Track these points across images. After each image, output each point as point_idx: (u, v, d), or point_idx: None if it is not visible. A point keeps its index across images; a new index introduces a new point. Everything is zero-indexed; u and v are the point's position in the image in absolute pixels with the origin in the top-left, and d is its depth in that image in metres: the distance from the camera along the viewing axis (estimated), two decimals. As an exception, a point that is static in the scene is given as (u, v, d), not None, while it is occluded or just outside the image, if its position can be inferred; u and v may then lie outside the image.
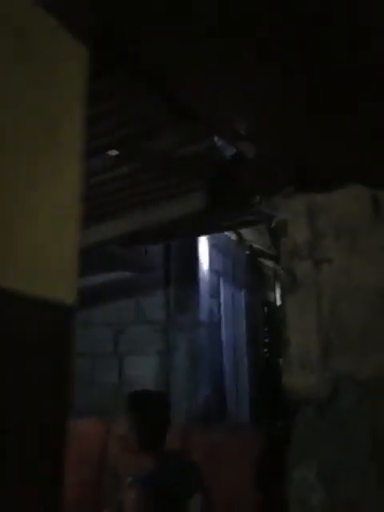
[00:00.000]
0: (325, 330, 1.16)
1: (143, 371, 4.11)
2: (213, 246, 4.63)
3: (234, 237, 5.11)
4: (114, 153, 2.09)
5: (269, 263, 5.75)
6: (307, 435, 1.14)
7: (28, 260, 0.63)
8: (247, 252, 5.46)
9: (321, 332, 1.15)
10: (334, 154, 1.23)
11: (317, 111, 1.31)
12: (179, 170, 2.34)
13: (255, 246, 5.40)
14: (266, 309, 6.01)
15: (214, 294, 4.65)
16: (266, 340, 5.98)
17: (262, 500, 2.46)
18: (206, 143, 2.07)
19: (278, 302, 6.25)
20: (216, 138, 2.06)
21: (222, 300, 4.83)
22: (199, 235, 3.99)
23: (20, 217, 0.62)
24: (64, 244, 0.69)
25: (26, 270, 0.62)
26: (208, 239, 4.46)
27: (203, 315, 4.31)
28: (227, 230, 4.28)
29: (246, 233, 4.91)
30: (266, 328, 5.94)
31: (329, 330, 1.16)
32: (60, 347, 0.67)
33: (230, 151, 2.16)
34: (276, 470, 2.51)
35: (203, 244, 4.45)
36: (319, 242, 1.21)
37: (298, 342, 1.18)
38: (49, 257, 0.66)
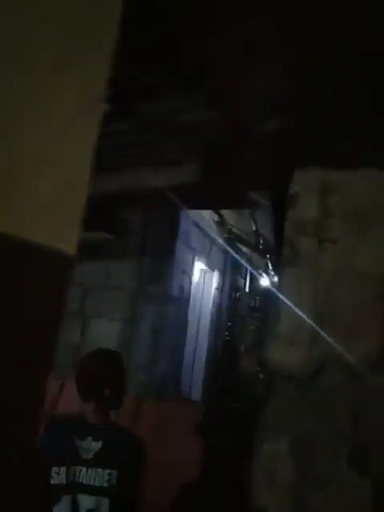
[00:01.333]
0: (318, 309, 1.14)
1: (105, 336, 4.05)
2: (193, 223, 4.58)
3: (216, 217, 5.06)
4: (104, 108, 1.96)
5: (245, 250, 5.74)
6: (284, 410, 1.12)
7: (32, 206, 0.61)
8: (226, 235, 5.43)
9: (314, 310, 1.13)
10: (354, 135, 1.19)
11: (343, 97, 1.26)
12: (176, 138, 2.25)
13: (235, 230, 5.37)
14: (234, 293, 6.04)
15: (187, 270, 4.62)
16: (229, 324, 6.02)
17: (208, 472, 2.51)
18: (209, 115, 1.98)
19: (247, 289, 6.30)
20: (220, 113, 1.98)
21: (193, 278, 4.81)
22: (185, 208, 3.92)
23: (27, 161, 0.59)
24: (73, 193, 0.67)
25: (29, 216, 0.61)
26: (190, 215, 4.39)
27: (174, 290, 4.27)
28: (213, 208, 4.23)
29: (228, 215, 4.87)
30: (231, 312, 5.98)
31: (322, 310, 1.14)
32: (55, 296, 0.67)
33: (232, 130, 2.08)
34: (225, 448, 2.57)
35: (184, 219, 4.38)
36: (326, 221, 1.18)
37: (289, 317, 1.15)
38: (56, 205, 0.65)
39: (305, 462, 1.06)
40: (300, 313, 1.12)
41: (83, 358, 1.70)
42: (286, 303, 1.15)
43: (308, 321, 1.12)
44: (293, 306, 1.13)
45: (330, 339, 1.10)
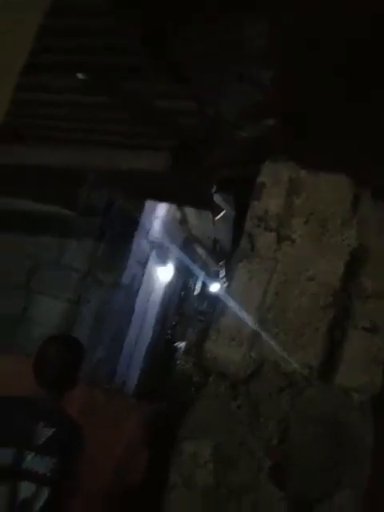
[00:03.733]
0: (266, 309, 1.03)
1: (49, 314, 3.83)
2: (156, 217, 4.45)
3: (178, 215, 4.95)
4: (81, 76, 1.82)
5: (202, 253, 5.67)
6: (213, 410, 1.01)
7: None
8: (186, 235, 5.33)
9: (262, 309, 1.03)
10: (332, 141, 1.11)
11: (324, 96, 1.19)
12: (152, 123, 2.13)
13: (195, 232, 5.28)
14: (183, 293, 5.96)
15: (142, 261, 4.48)
16: (174, 323, 5.92)
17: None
18: (187, 105, 1.88)
19: (197, 291, 6.22)
20: (197, 106, 1.89)
21: (147, 270, 4.67)
22: (151, 198, 3.77)
23: None
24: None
25: None
26: (154, 208, 4.26)
27: (125, 278, 4.12)
28: (178, 202, 4.11)
29: (191, 216, 4.77)
30: (177, 311, 5.89)
31: (270, 310, 1.04)
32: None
33: (207, 124, 2.00)
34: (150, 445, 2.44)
35: (148, 210, 4.25)
36: (289, 219, 1.09)
37: (235, 312, 1.05)
38: None
39: (225, 468, 0.94)
40: (247, 309, 1.02)
41: (52, 347, 1.53)
42: (233, 297, 1.04)
43: (254, 318, 1.02)
44: (240, 302, 1.02)
45: (271, 342, 1.00)
